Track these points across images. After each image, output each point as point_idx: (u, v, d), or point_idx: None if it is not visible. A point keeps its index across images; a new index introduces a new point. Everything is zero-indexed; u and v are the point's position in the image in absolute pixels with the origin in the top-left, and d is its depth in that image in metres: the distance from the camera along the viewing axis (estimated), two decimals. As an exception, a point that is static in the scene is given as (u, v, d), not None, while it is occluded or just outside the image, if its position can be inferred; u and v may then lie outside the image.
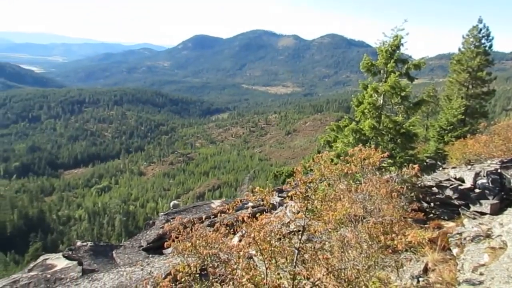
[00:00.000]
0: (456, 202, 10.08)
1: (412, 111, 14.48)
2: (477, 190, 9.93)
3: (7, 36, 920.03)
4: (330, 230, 5.88)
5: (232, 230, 5.89)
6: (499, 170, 10.28)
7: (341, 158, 11.07)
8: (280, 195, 15.78)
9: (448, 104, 25.51)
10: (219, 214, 6.35)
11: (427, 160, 18.53)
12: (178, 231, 5.75)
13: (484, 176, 10.10)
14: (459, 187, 10.22)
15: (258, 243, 4.83)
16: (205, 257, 5.25)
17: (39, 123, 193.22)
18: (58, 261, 11.24)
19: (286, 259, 5.01)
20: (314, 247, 5.23)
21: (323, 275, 4.74)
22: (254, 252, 5.25)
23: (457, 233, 8.29)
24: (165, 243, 5.99)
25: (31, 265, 11.32)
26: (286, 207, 12.33)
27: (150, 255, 11.60)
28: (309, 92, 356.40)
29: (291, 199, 5.38)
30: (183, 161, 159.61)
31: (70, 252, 11.84)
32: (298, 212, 5.22)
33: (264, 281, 4.58)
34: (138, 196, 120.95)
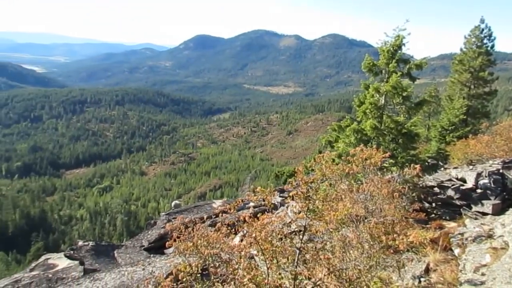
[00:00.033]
0: (457, 202, 10.06)
1: (414, 111, 14.45)
2: (479, 191, 9.91)
3: (9, 36, 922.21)
4: (331, 230, 5.88)
5: (233, 230, 5.89)
6: (501, 171, 10.25)
7: (342, 158, 11.05)
8: (281, 195, 15.79)
9: (450, 104, 25.46)
10: (220, 214, 6.37)
11: (429, 160, 18.48)
12: (179, 231, 5.75)
13: (486, 177, 10.08)
14: (461, 187, 10.21)
15: (260, 243, 4.83)
16: (207, 257, 5.26)
17: (41, 123, 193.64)
18: (60, 261, 11.27)
19: (288, 259, 5.01)
20: (316, 247, 5.23)
21: (325, 275, 4.74)
22: (255, 252, 5.25)
23: (459, 234, 8.28)
24: (167, 243, 5.99)
25: (33, 264, 11.36)
26: (287, 207, 12.32)
27: (152, 255, 11.62)
28: (310, 92, 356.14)
29: (293, 199, 5.38)
30: (185, 161, 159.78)
31: (72, 252, 11.87)
32: (300, 212, 5.21)
33: (266, 281, 4.58)
34: (139, 196, 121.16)
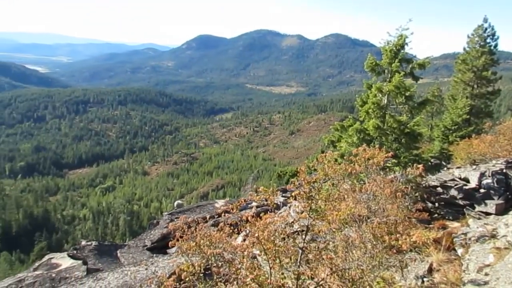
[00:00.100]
0: (461, 202, 10.03)
1: (417, 110, 14.41)
2: (482, 190, 9.88)
3: (13, 37, 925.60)
4: (334, 230, 5.88)
5: (236, 229, 5.89)
6: (504, 170, 10.22)
7: (345, 158, 11.04)
8: (284, 195, 15.78)
9: (453, 104, 25.39)
10: (223, 214, 6.36)
11: (432, 160, 18.40)
12: (182, 230, 5.76)
13: (489, 176, 10.05)
14: (464, 187, 10.18)
15: (262, 243, 4.83)
16: (209, 257, 5.26)
17: (44, 123, 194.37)
18: (63, 261, 11.30)
19: (290, 259, 5.01)
20: (318, 247, 5.23)
21: (327, 275, 4.74)
22: (258, 252, 5.26)
23: (462, 233, 8.26)
24: (169, 243, 6.00)
25: (36, 264, 11.40)
26: (290, 207, 12.32)
27: (154, 255, 11.64)
28: (313, 92, 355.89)
29: (295, 199, 5.38)
30: (187, 161, 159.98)
31: (75, 252, 11.90)
32: (302, 212, 5.21)
33: (268, 280, 4.58)
34: (142, 196, 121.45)
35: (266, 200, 5.50)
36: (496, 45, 24.78)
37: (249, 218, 5.21)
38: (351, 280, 4.79)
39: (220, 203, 16.98)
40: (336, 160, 10.95)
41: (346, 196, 7.45)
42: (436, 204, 10.52)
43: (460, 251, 7.73)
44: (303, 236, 5.15)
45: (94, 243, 12.62)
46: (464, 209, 9.85)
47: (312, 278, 4.70)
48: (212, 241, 5.42)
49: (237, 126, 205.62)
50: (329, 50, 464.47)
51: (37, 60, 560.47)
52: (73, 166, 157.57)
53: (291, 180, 6.05)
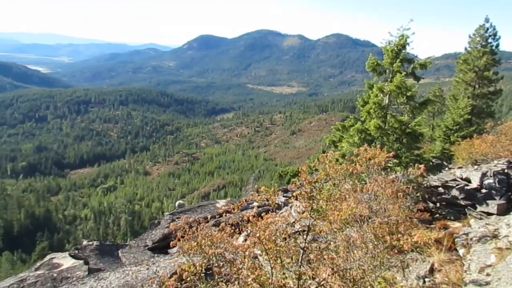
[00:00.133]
0: (462, 203, 10.01)
1: (418, 110, 14.41)
2: (483, 190, 9.86)
3: (14, 37, 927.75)
4: (335, 230, 5.88)
5: (237, 229, 5.89)
6: (506, 170, 10.21)
7: (346, 158, 11.04)
8: (285, 195, 15.78)
9: (455, 104, 25.35)
10: (224, 214, 6.37)
11: (433, 160, 18.41)
12: (183, 230, 5.77)
13: (490, 176, 10.03)
14: (466, 187, 10.16)
15: (263, 243, 4.83)
16: (211, 257, 5.27)
17: (46, 123, 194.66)
18: (65, 260, 11.33)
19: (292, 258, 5.01)
20: (320, 247, 5.23)
21: (329, 275, 4.73)
22: (259, 252, 5.26)
23: (464, 234, 8.25)
24: (171, 243, 6.01)
25: (38, 264, 11.43)
26: (291, 207, 12.32)
27: (156, 255, 11.66)
28: (314, 92, 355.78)
29: (296, 199, 5.38)
30: (188, 161, 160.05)
31: (76, 251, 11.92)
32: (303, 212, 5.22)
33: (270, 280, 4.58)
34: (143, 196, 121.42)
35: (267, 200, 5.50)
36: (497, 45, 24.72)
37: (250, 218, 5.22)
38: (352, 280, 4.79)
39: (221, 203, 16.99)
40: (337, 160, 10.96)
41: (347, 196, 7.46)
42: (438, 204, 10.50)
43: (461, 251, 7.72)
44: (304, 236, 5.15)
45: (95, 243, 12.63)
46: (466, 209, 9.83)
47: (314, 278, 4.70)
48: (213, 241, 5.43)
49: (238, 126, 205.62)
50: (330, 50, 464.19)
51: (39, 60, 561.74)
52: (74, 166, 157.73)
53: (292, 180, 6.04)
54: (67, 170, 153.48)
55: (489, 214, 9.30)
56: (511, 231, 7.58)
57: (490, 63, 24.41)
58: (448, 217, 10.00)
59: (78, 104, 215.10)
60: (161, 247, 12.67)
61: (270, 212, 5.90)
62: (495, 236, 7.71)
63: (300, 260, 4.97)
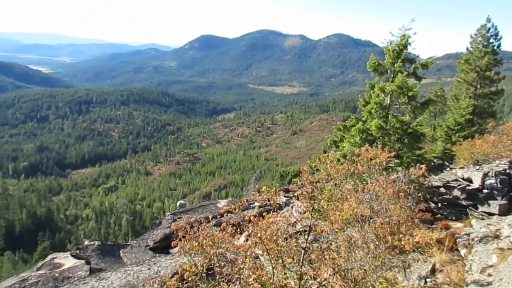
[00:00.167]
0: (464, 203, 10.00)
1: (420, 111, 14.38)
2: (485, 191, 9.84)
3: (15, 37, 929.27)
4: (336, 230, 5.87)
5: (238, 229, 5.89)
6: (507, 171, 10.18)
7: (347, 158, 11.03)
8: (286, 195, 15.78)
9: (456, 104, 25.32)
10: (225, 214, 6.36)
11: (435, 160, 18.40)
12: (184, 230, 5.77)
13: (492, 177, 10.01)
14: (467, 187, 10.15)
15: (265, 243, 4.83)
16: (212, 257, 5.27)
17: (47, 123, 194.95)
18: (66, 260, 11.34)
19: (293, 258, 5.01)
20: (321, 247, 5.23)
21: (330, 275, 4.73)
22: (260, 252, 5.26)
23: (465, 234, 8.24)
24: (172, 243, 6.01)
25: (40, 264, 11.44)
26: (292, 207, 12.33)
27: (157, 255, 11.66)
28: (315, 92, 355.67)
29: (298, 199, 5.38)
30: (190, 161, 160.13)
31: (78, 251, 11.94)
32: (305, 212, 5.21)
33: (271, 280, 4.58)
34: (144, 196, 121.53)
35: (269, 200, 5.50)
36: (499, 45, 24.68)
37: (251, 218, 5.22)
38: (353, 280, 4.79)
39: (222, 203, 16.99)
40: (338, 160, 10.95)
41: (348, 196, 7.45)
42: (439, 205, 10.49)
43: (463, 251, 7.71)
44: (306, 236, 5.15)
45: (97, 243, 12.64)
46: (467, 210, 9.82)
47: (315, 278, 4.69)
48: (215, 241, 5.42)
49: (239, 126, 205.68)
50: (332, 50, 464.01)
51: (40, 60, 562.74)
52: (76, 166, 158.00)
53: (293, 180, 6.03)
54: (68, 170, 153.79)
55: (490, 214, 9.28)
56: (512, 231, 7.57)
57: (492, 63, 24.36)
58: (449, 218, 9.99)
59: (80, 104, 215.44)
60: (163, 247, 12.67)
61: (271, 212, 5.90)
62: (496, 237, 7.70)
63: (301, 260, 4.97)
